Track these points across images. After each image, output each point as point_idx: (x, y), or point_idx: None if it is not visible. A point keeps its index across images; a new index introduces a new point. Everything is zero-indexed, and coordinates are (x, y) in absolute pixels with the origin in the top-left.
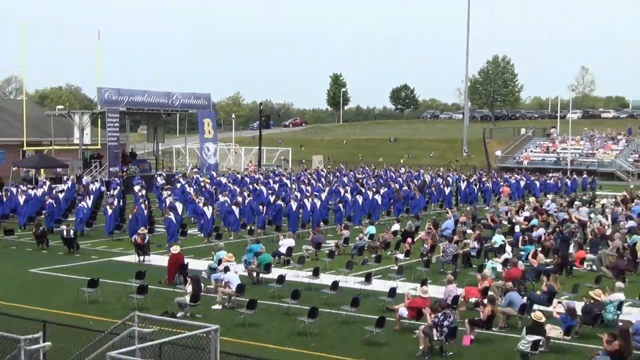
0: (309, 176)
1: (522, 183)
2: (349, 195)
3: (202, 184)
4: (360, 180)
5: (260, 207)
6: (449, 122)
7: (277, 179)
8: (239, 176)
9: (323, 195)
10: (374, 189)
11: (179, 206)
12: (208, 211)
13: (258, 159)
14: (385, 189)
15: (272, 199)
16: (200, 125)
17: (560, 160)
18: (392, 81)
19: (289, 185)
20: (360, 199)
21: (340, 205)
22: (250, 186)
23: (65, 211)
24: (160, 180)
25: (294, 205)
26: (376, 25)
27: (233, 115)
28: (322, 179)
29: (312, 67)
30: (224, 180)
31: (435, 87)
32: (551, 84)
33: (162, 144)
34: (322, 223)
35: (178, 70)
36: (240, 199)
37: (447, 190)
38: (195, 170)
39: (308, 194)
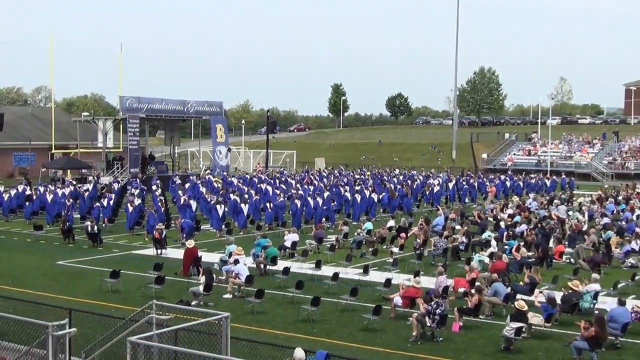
0: (312, 177)
1: (508, 183)
2: (348, 195)
3: (215, 183)
4: (357, 180)
5: (268, 204)
6: (439, 127)
7: (283, 179)
8: (248, 176)
9: (325, 194)
10: (371, 189)
11: (193, 204)
12: (220, 209)
13: (265, 161)
14: (383, 190)
15: (280, 197)
16: (213, 130)
17: (541, 162)
18: (388, 90)
19: (294, 185)
20: (358, 197)
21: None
22: (259, 186)
23: (90, 209)
24: (177, 180)
25: (298, 203)
26: (373, 40)
27: (243, 121)
28: (324, 180)
29: (315, 77)
30: (234, 180)
31: (427, 95)
32: (532, 93)
33: (178, 147)
34: (324, 219)
35: (193, 80)
36: (246, 196)
37: (436, 189)
38: (209, 171)
39: (311, 193)
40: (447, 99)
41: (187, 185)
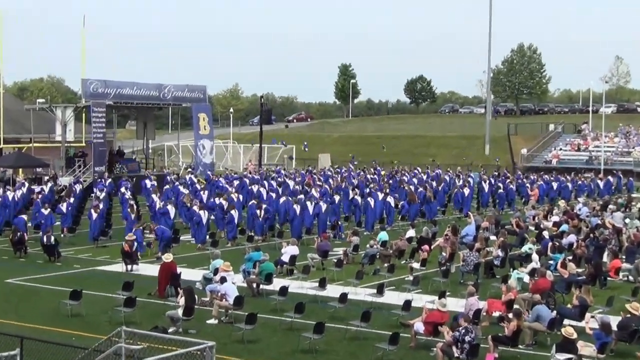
0: (314, 177)
1: (554, 185)
2: (359, 198)
3: (197, 185)
4: (370, 181)
5: (258, 211)
6: (469, 116)
7: (280, 179)
8: (236, 176)
9: (337, 198)
10: (387, 191)
11: (171, 210)
12: (204, 216)
13: (258, 157)
14: (402, 193)
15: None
16: (194, 120)
17: (593, 159)
18: (407, 72)
19: (292, 186)
20: (372, 202)
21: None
22: (250, 187)
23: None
24: (150, 182)
25: (297, 209)
26: (388, 11)
27: (231, 110)
28: (330, 180)
29: (318, 57)
30: (222, 181)
31: (454, 78)
32: (582, 75)
33: (153, 141)
34: (329, 229)
35: (170, 60)
36: (237, 200)
37: (467, 192)
38: (190, 170)
39: (311, 197)
40: (479, 83)
41: (164, 188)
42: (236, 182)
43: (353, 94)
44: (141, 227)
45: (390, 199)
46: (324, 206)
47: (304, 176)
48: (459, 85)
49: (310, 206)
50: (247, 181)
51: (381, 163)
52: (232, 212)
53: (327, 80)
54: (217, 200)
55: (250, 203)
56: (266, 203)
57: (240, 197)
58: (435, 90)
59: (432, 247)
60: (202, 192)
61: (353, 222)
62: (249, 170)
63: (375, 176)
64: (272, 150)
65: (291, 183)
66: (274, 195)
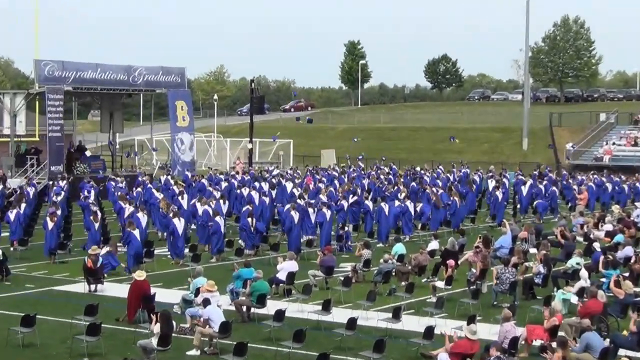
0: (315, 177)
1: (608, 187)
2: (370, 204)
3: (175, 187)
4: (385, 182)
5: (250, 219)
6: (503, 104)
7: (274, 180)
8: (221, 177)
9: (344, 204)
10: (405, 195)
11: (143, 218)
12: (180, 225)
13: (249, 154)
14: (423, 197)
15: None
16: (171, 109)
17: None
18: (428, 51)
19: (289, 189)
20: (386, 207)
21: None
22: (238, 191)
23: None
24: (117, 185)
25: (295, 217)
26: None
27: (215, 97)
28: (335, 181)
29: (320, 32)
30: (205, 183)
31: (485, 58)
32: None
33: (121, 134)
34: (334, 241)
35: (142, 38)
36: (224, 205)
37: (500, 196)
38: (165, 169)
39: (312, 201)
40: (515, 64)
41: (135, 191)
42: (222, 184)
43: (362, 78)
44: (110, 250)
45: (409, 204)
46: (327, 213)
47: (304, 175)
48: (490, 66)
49: (312, 213)
50: (235, 183)
51: (393, 160)
52: (217, 219)
53: (332, 61)
54: (198, 206)
55: (244, 209)
56: (263, 211)
57: (227, 202)
58: (462, 72)
59: (459, 262)
60: (180, 197)
61: (363, 232)
62: (236, 170)
63: (391, 176)
64: (265, 145)
65: (289, 185)
66: (267, 200)
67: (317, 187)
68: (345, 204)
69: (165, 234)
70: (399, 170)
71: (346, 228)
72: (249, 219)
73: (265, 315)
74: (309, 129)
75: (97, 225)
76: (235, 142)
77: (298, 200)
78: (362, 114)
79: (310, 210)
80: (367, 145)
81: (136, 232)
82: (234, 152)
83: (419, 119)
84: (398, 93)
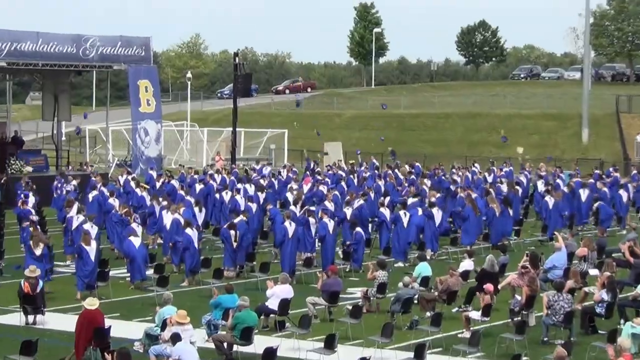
0: (317, 177)
1: None
2: (386, 212)
3: (138, 191)
4: (400, 187)
5: (232, 232)
6: (557, 84)
7: (264, 181)
8: (196, 177)
9: (347, 212)
10: (430, 201)
11: (93, 230)
12: (137, 240)
13: (231, 148)
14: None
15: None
16: (132, 91)
17: None
18: (460, 17)
19: (286, 194)
20: (405, 217)
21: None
22: (218, 195)
23: None
24: (63, 186)
25: (290, 228)
26: None
27: (189, 75)
28: (342, 183)
29: None
30: (175, 184)
31: (534, 26)
32: None
33: (68, 123)
34: (339, 256)
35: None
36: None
37: (551, 202)
38: (125, 168)
39: (312, 208)
40: (572, 32)
41: (87, 196)
42: (197, 187)
43: (377, 51)
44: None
45: (435, 212)
46: (330, 224)
47: (305, 176)
48: (541, 36)
49: (312, 224)
50: (214, 185)
51: (416, 155)
52: (189, 232)
53: (338, 29)
54: (166, 215)
55: (238, 219)
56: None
57: (204, 210)
58: (504, 44)
59: (499, 286)
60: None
61: (377, 249)
62: (216, 169)
63: (413, 176)
64: (253, 137)
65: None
66: (254, 206)
67: (317, 191)
68: (348, 211)
69: (119, 251)
70: (423, 168)
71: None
72: (232, 232)
73: (252, 355)
74: (308, 117)
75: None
76: (214, 133)
77: (292, 208)
78: (376, 97)
79: (311, 220)
80: (382, 136)
81: (90, 248)
82: (212, 145)
83: (449, 103)
84: (422, 70)
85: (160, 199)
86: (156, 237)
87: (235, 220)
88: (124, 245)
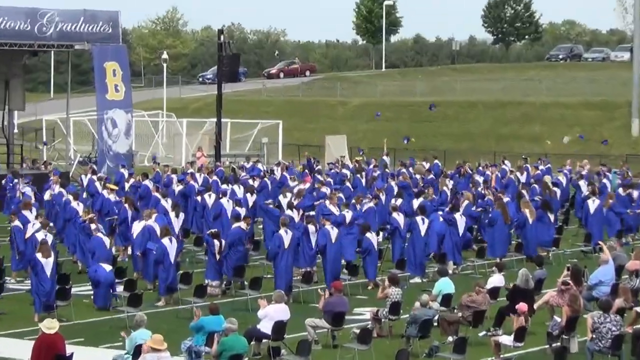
0: (318, 177)
1: None
2: (400, 219)
3: (105, 193)
4: (415, 187)
5: (216, 242)
6: (602, 66)
7: (253, 182)
8: (174, 177)
9: (347, 216)
10: (452, 205)
11: (49, 239)
12: (104, 250)
13: (216, 142)
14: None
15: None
16: (98, 75)
17: None
18: None
19: (282, 199)
20: (423, 226)
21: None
22: (199, 198)
23: None
24: (16, 188)
25: (286, 238)
26: None
27: (165, 56)
28: (347, 184)
29: None
30: (149, 185)
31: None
32: None
33: (22, 112)
34: (344, 272)
35: None
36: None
37: (593, 207)
38: (89, 164)
39: (312, 214)
40: (619, 5)
41: (43, 199)
42: (175, 188)
43: (388, 28)
44: None
45: (458, 218)
46: (333, 232)
47: (304, 175)
48: (582, 10)
49: (312, 234)
50: (195, 186)
51: (435, 150)
52: (166, 242)
53: (341, 1)
54: (137, 224)
55: (234, 227)
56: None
57: (182, 214)
58: (539, 19)
59: (535, 306)
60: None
61: (389, 262)
62: (197, 167)
63: (432, 176)
64: (242, 128)
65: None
66: (242, 211)
67: (319, 194)
68: (348, 215)
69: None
70: (443, 167)
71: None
72: (216, 242)
73: None
74: (306, 105)
75: None
76: (195, 125)
77: (289, 212)
78: (388, 82)
79: (311, 227)
80: (394, 128)
81: (47, 261)
82: (193, 139)
83: (474, 90)
84: (442, 50)
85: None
86: (127, 248)
87: (234, 226)
88: (91, 270)
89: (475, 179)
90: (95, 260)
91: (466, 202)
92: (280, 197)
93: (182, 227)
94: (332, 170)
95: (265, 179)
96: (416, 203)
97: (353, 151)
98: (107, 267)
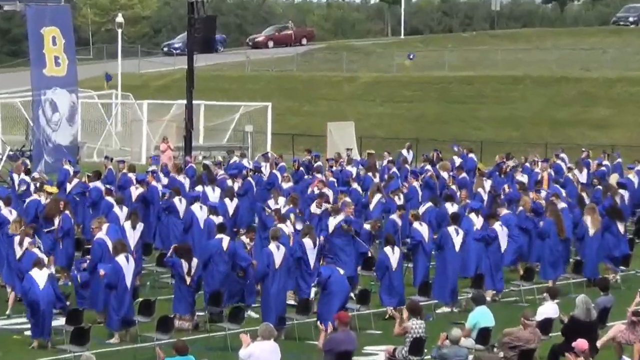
0: (317, 176)
1: None
2: (424, 229)
3: (37, 196)
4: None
5: (183, 262)
6: None
7: (233, 183)
8: (132, 177)
9: (332, 224)
10: (496, 211)
11: None
12: (41, 275)
13: (186, 131)
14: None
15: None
16: (33, 44)
17: None
18: None
19: (272, 202)
20: (457, 236)
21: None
22: (165, 202)
23: None
24: None
25: (277, 254)
26: None
27: (119, 19)
28: (355, 185)
29: None
30: (99, 186)
31: None
32: None
33: None
34: (352, 297)
35: None
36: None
37: None
38: (21, 159)
39: (305, 225)
40: None
41: None
42: (134, 191)
43: None
44: None
45: (498, 229)
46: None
47: (299, 174)
48: None
49: (311, 252)
50: (159, 187)
51: (468, 141)
52: (121, 260)
53: None
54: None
55: (219, 237)
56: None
57: (140, 226)
58: None
59: (599, 343)
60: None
61: (410, 286)
62: (163, 163)
63: (464, 174)
64: (219, 113)
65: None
66: (217, 220)
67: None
68: (332, 222)
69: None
70: (479, 162)
71: None
72: (183, 261)
73: None
74: (302, 83)
75: None
76: (158, 109)
77: (281, 226)
78: (407, 52)
79: (307, 241)
80: (417, 112)
81: None
82: (156, 127)
83: (520, 62)
84: (478, 11)
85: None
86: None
87: (218, 236)
88: (21, 283)
89: (520, 179)
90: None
91: (524, 206)
92: (271, 203)
93: (141, 241)
94: (333, 168)
95: (249, 178)
96: (450, 209)
97: (363, 142)
98: (41, 278)
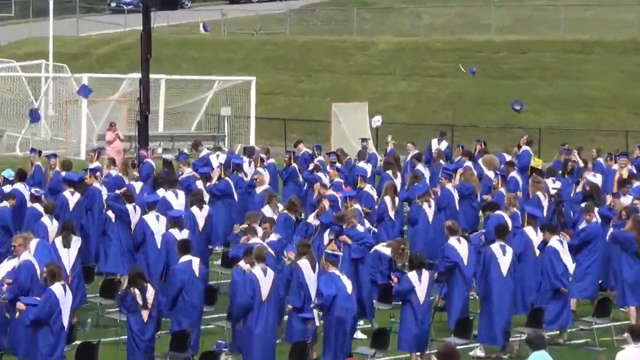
0: (317, 175)
1: None
2: (462, 248)
3: None
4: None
5: (136, 291)
6: None
7: (203, 191)
8: (75, 176)
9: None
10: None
11: None
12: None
13: (140, 115)
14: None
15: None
16: None
17: None
18: None
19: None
20: (505, 256)
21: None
22: (109, 212)
23: None
24: None
25: (263, 281)
26: None
27: None
28: (371, 190)
29: None
30: (22, 191)
31: None
32: None
33: None
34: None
35: None
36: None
37: None
38: None
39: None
40: None
41: None
42: (69, 198)
43: None
44: None
45: (560, 248)
46: (344, 278)
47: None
48: None
49: (310, 278)
50: (103, 191)
51: (521, 129)
52: (57, 289)
53: None
54: (5, 264)
55: (180, 263)
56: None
57: (77, 242)
58: None
59: None
60: None
61: (443, 323)
62: (109, 158)
63: (514, 174)
64: (185, 92)
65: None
66: (182, 235)
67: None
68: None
69: None
70: (534, 158)
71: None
72: (135, 290)
73: None
74: (298, 50)
75: None
76: (103, 84)
77: (270, 237)
78: (438, 9)
79: (304, 263)
80: (452, 89)
81: None
82: (100, 110)
83: (589, 23)
84: None
85: None
86: None
87: (182, 260)
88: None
89: (589, 177)
90: None
91: (589, 218)
92: (266, 209)
93: (79, 262)
94: (336, 164)
95: (226, 178)
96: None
97: (380, 131)
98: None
